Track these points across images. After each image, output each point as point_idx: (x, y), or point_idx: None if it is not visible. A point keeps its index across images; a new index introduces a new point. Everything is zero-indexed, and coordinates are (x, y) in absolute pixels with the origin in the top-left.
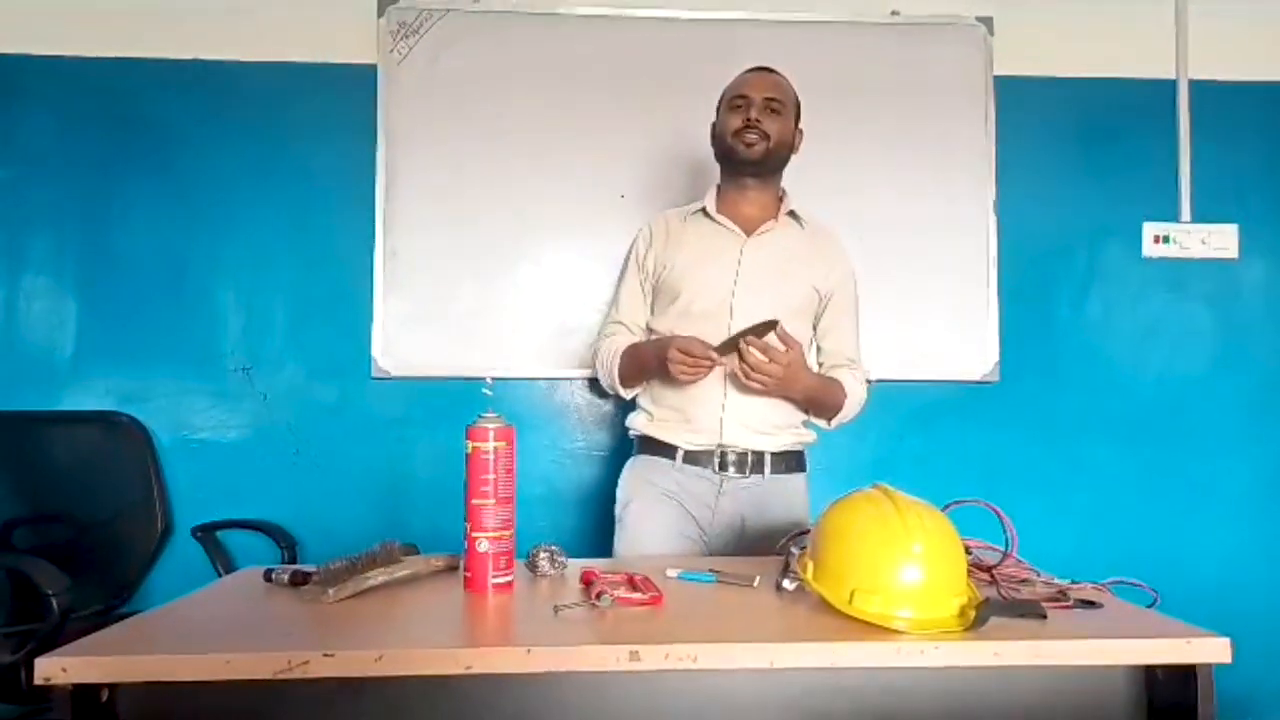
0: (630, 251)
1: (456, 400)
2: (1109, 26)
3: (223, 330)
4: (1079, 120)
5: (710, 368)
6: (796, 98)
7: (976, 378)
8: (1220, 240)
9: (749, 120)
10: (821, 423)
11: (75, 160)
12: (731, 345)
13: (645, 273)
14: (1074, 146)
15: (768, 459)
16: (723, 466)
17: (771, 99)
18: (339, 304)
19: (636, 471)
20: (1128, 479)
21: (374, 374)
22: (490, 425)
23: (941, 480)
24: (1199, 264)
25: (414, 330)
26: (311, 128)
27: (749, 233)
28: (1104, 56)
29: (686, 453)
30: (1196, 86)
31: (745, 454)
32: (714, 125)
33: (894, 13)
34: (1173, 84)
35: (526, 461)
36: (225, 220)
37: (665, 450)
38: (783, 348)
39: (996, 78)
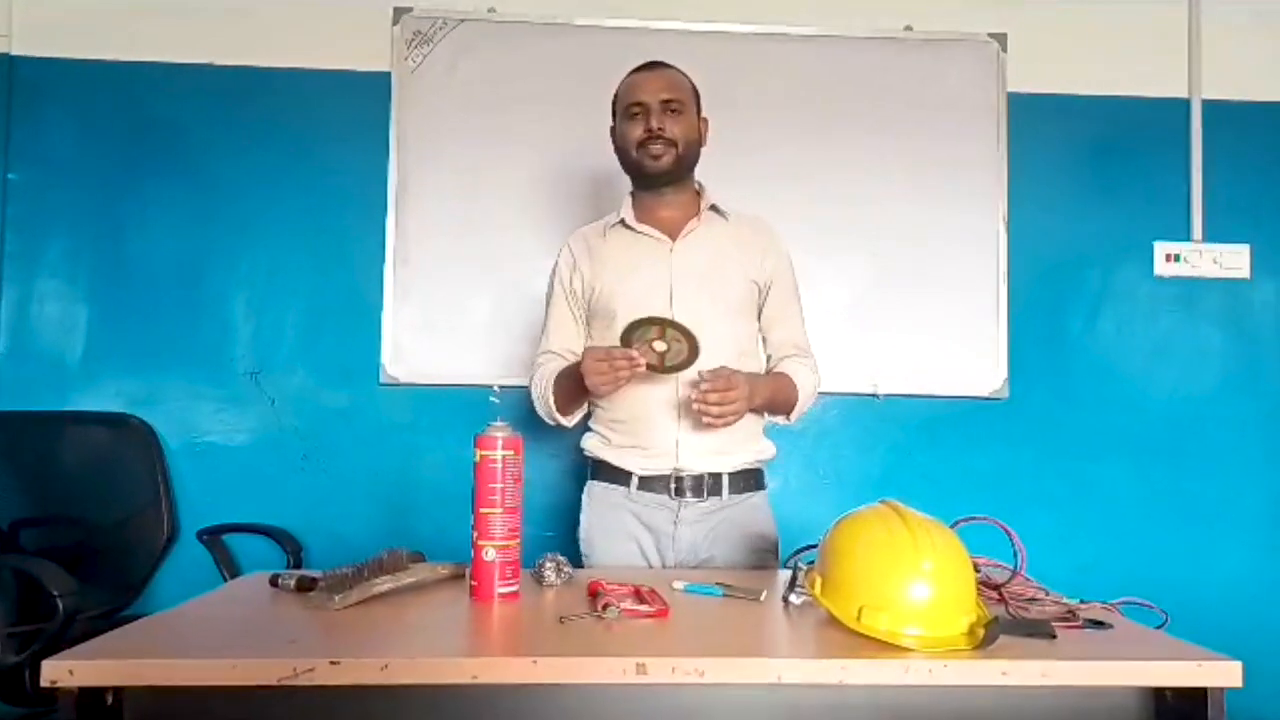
0: (553, 277)
1: (465, 408)
2: (1122, 45)
3: (233, 335)
4: (1091, 138)
5: (629, 367)
6: (693, 87)
7: (986, 393)
8: (1232, 260)
9: (650, 130)
10: (780, 419)
11: (90, 163)
12: (634, 331)
13: (574, 296)
14: (1086, 164)
15: (725, 480)
16: (679, 492)
17: (669, 100)
18: (349, 310)
19: (594, 506)
20: (1137, 498)
21: (382, 380)
22: (499, 434)
23: (949, 496)
24: (1211, 283)
25: (423, 337)
26: (325, 134)
27: (673, 237)
28: (1117, 75)
29: (641, 479)
30: (1209, 106)
31: (702, 476)
32: (613, 131)
33: (908, 28)
34: (1186, 103)
35: (534, 471)
36: (237, 225)
37: (619, 476)
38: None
39: (1009, 94)
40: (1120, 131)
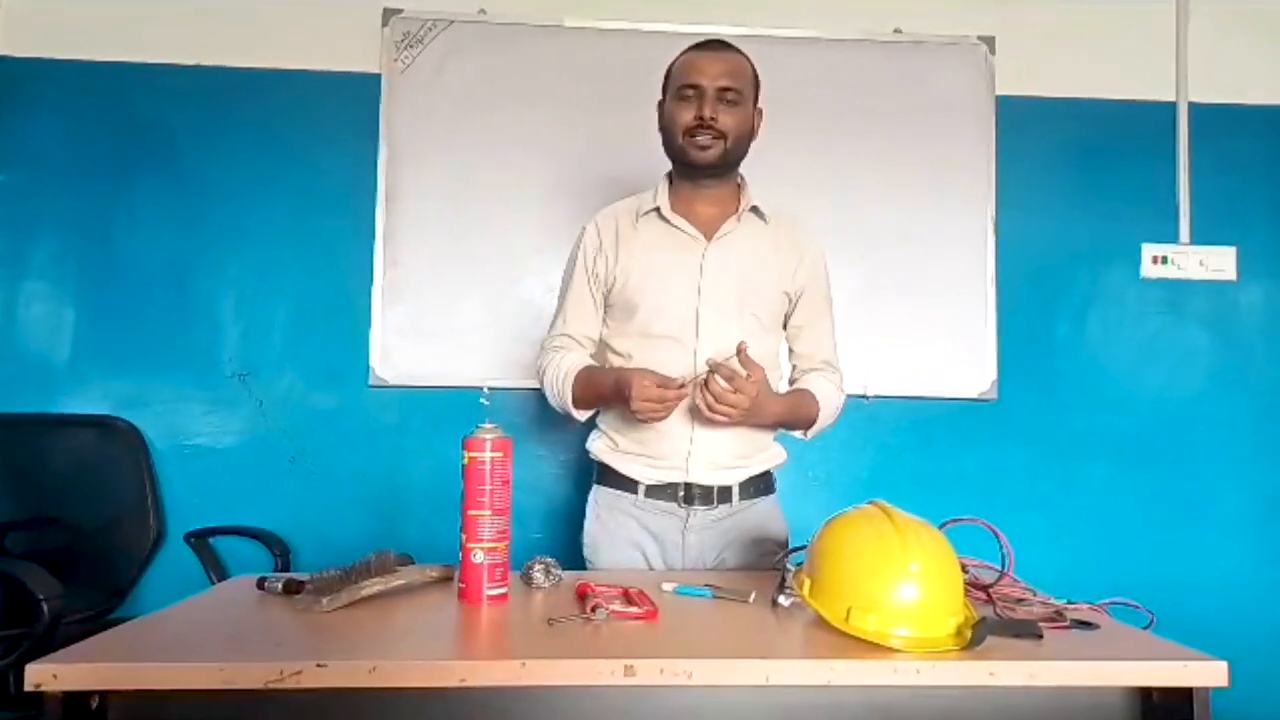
0: (577, 253)
1: (454, 410)
2: (1110, 48)
3: (221, 336)
4: (1080, 140)
5: (677, 400)
6: (755, 74)
7: (974, 395)
8: (1218, 262)
9: (702, 118)
10: (797, 434)
11: (78, 164)
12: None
13: (596, 279)
14: (1074, 166)
15: (735, 489)
16: (688, 500)
17: (726, 89)
18: (338, 312)
19: (599, 512)
20: (1125, 499)
21: (371, 382)
22: (487, 436)
23: (938, 497)
24: (1197, 285)
25: (412, 339)
26: (314, 136)
27: (709, 235)
28: (1105, 78)
29: (649, 488)
30: (1196, 109)
31: (711, 487)
32: (660, 107)
33: (897, 31)
34: (1173, 106)
35: (523, 473)
36: (226, 226)
37: (627, 484)
38: (744, 372)
39: (998, 97)
40: (1108, 134)
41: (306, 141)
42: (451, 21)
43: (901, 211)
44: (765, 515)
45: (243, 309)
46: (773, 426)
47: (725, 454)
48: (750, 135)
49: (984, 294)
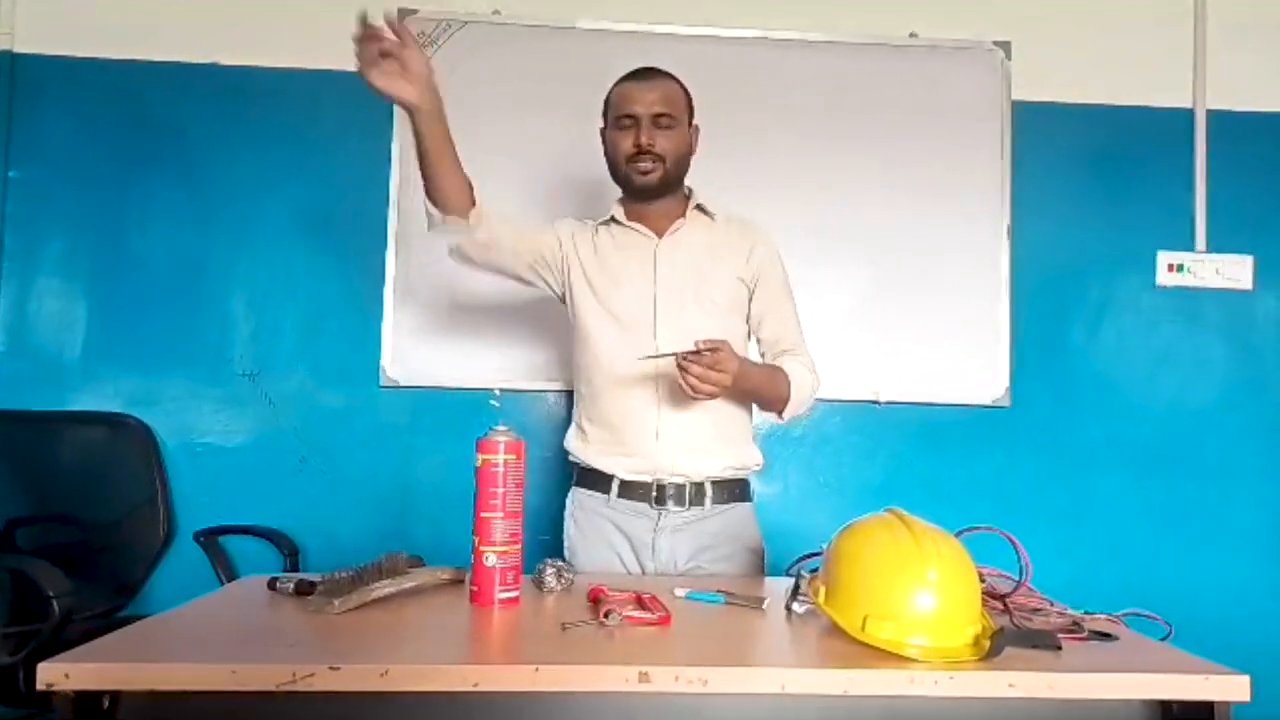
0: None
1: (465, 411)
2: (1127, 54)
3: (232, 335)
4: (1095, 147)
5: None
6: (687, 96)
7: (987, 402)
8: (1235, 271)
9: (640, 146)
10: (772, 416)
11: (91, 162)
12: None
13: (555, 245)
14: (1090, 173)
15: (708, 488)
16: (660, 500)
17: (660, 115)
18: (349, 311)
19: (575, 514)
20: (1139, 508)
21: (382, 383)
22: (500, 438)
23: (950, 504)
24: (1213, 294)
25: (424, 340)
26: (327, 135)
27: (660, 234)
28: (1122, 84)
29: (622, 484)
30: (1214, 116)
31: (684, 484)
32: (603, 134)
33: (913, 35)
34: (1190, 113)
35: (534, 475)
36: (238, 225)
37: (601, 482)
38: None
39: (1014, 102)
40: (1124, 141)
41: (319, 141)
42: (466, 22)
43: (915, 216)
44: (739, 522)
45: (254, 307)
46: (750, 395)
47: (701, 436)
48: (688, 154)
49: (997, 300)
